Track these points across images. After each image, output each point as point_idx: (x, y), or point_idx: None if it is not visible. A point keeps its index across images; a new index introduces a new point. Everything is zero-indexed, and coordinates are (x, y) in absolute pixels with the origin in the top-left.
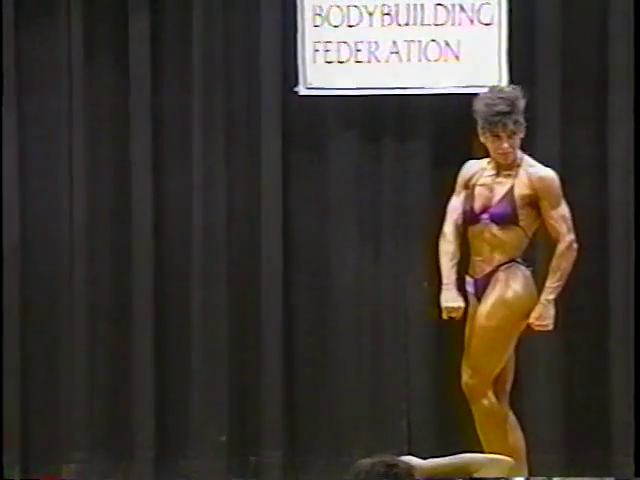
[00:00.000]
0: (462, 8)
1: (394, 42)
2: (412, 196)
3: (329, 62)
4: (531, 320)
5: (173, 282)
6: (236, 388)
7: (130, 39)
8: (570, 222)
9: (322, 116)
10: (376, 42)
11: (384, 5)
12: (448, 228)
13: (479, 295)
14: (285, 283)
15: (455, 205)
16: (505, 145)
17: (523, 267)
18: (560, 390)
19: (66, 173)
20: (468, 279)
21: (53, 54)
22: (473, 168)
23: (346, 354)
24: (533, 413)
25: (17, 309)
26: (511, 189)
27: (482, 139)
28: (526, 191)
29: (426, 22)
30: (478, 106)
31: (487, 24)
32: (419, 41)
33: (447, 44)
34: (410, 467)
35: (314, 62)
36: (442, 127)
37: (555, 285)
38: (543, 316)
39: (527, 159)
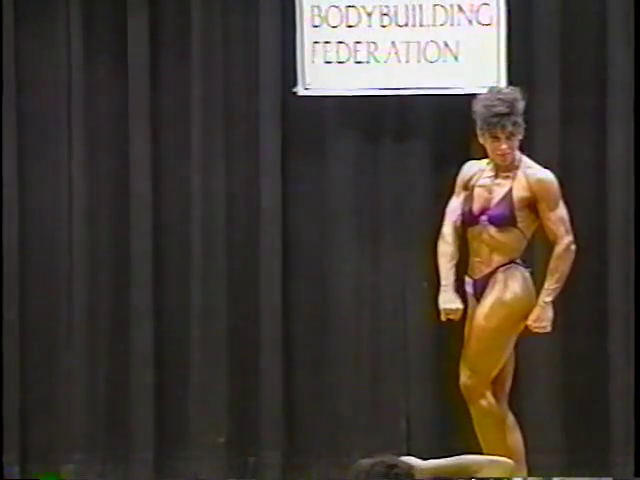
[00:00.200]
0: (461, 9)
1: (393, 43)
2: (411, 196)
3: (328, 62)
4: (529, 322)
5: (172, 283)
6: (235, 389)
7: (129, 40)
8: (568, 224)
9: (321, 117)
10: (375, 42)
11: (383, 5)
12: (447, 229)
13: (478, 296)
14: (284, 284)
15: (454, 206)
16: (503, 146)
17: (522, 268)
18: (559, 390)
19: (65, 173)
20: (467, 279)
21: (52, 55)
22: (472, 169)
23: (345, 354)
24: (532, 413)
25: (16, 310)
26: (509, 191)
27: (481, 140)
28: (524, 193)
29: (425, 23)
30: (477, 107)
31: (486, 25)
32: (418, 42)
33: (446, 45)
34: (410, 467)
35: (313, 62)
36: (441, 128)
37: (553, 287)
38: (541, 318)
39: (526, 160)
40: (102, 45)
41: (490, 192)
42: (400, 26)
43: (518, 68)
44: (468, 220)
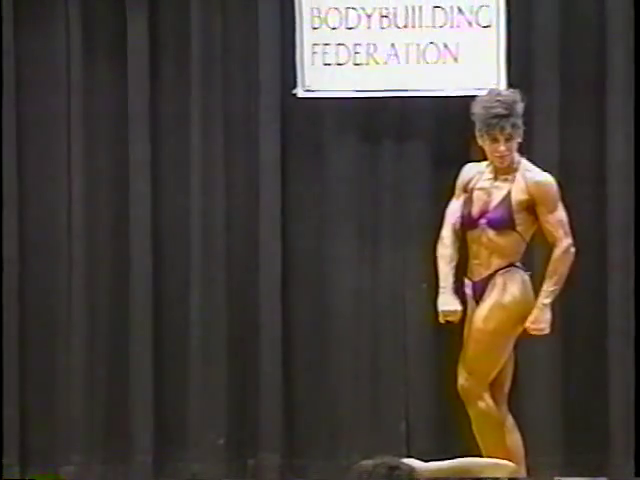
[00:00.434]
0: (460, 10)
1: (392, 44)
2: (411, 198)
3: (327, 64)
4: (527, 324)
5: (171, 286)
6: (234, 390)
7: (128, 41)
8: (567, 227)
9: (320, 118)
10: (374, 44)
11: (382, 7)
12: (446, 232)
13: (477, 298)
14: (284, 286)
15: (454, 209)
16: (502, 148)
17: (521, 272)
18: (559, 392)
19: (64, 175)
20: (466, 282)
21: (52, 57)
22: (472, 171)
23: (345, 356)
24: (531, 415)
25: (16, 313)
26: (508, 194)
27: (480, 142)
28: (523, 196)
29: (424, 24)
30: (476, 109)
31: (486, 26)
32: (417, 43)
33: (445, 46)
34: (412, 469)
35: (312, 64)
36: (441, 129)
37: (552, 289)
38: (539, 320)
39: (525, 163)
40: (101, 48)
41: (489, 195)
42: (400, 28)
43: (517, 70)
44: (467, 223)
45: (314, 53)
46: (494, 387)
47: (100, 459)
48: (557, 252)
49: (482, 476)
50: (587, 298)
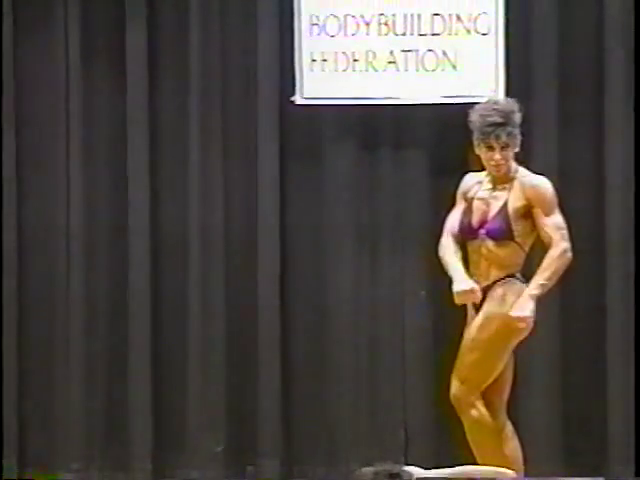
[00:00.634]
0: (459, 18)
1: (391, 52)
2: (410, 205)
3: (326, 72)
4: (511, 312)
5: (170, 293)
6: (233, 397)
7: (127, 49)
8: (565, 231)
9: (319, 126)
10: (373, 52)
11: (381, 15)
12: (445, 239)
13: (477, 307)
14: (282, 294)
15: (453, 218)
16: (497, 157)
17: (520, 283)
18: (557, 398)
19: (63, 180)
20: None
21: (51, 62)
22: (471, 181)
23: (343, 363)
24: (530, 421)
25: (14, 319)
26: (505, 204)
27: (477, 150)
28: (520, 203)
29: (423, 32)
30: (473, 117)
31: (484, 34)
32: (416, 51)
33: (444, 54)
34: (412, 477)
35: (311, 71)
36: (439, 137)
37: (542, 282)
38: (523, 307)
39: (522, 171)
40: (100, 54)
41: (487, 205)
42: (398, 35)
43: (516, 77)
44: (468, 233)
45: (313, 60)
46: (493, 394)
47: (99, 466)
48: (553, 251)
49: None
50: (585, 302)
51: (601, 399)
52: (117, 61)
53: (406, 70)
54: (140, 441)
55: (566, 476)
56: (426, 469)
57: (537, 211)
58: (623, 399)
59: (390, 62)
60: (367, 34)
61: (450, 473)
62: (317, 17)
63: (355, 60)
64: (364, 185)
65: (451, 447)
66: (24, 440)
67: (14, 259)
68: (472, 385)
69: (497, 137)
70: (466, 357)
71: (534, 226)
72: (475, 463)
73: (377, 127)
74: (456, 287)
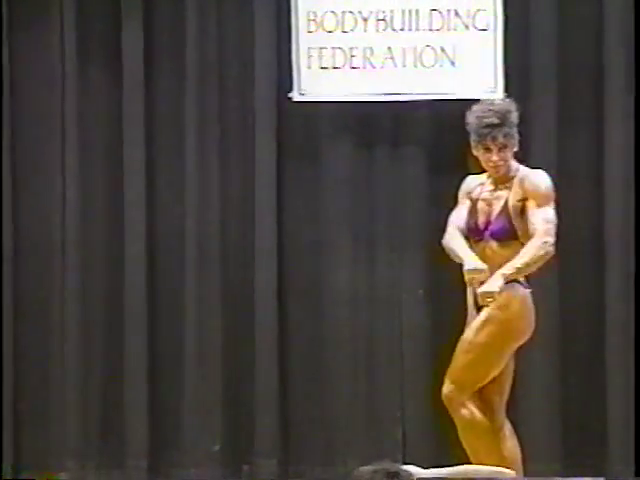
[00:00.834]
0: (457, 14)
1: (389, 48)
2: (408, 203)
3: (323, 68)
4: (478, 290)
5: (166, 291)
6: (230, 396)
7: (123, 46)
8: (552, 226)
9: (316, 122)
10: (371, 48)
11: (379, 11)
12: (452, 230)
13: (478, 307)
14: (279, 291)
15: (458, 214)
16: (495, 158)
17: (522, 288)
18: (557, 398)
19: (59, 178)
20: (469, 289)
21: (46, 61)
22: (473, 183)
23: (341, 362)
24: (529, 420)
25: (10, 317)
26: (506, 202)
27: (475, 152)
28: (517, 198)
29: (421, 28)
30: (470, 119)
31: (483, 30)
32: (414, 47)
33: (442, 50)
34: (411, 476)
35: (308, 68)
36: (437, 134)
37: (518, 265)
38: (491, 284)
39: (523, 169)
40: (96, 51)
41: (490, 205)
42: (396, 31)
43: (515, 73)
44: (474, 234)
45: (310, 57)
46: (492, 394)
47: (94, 464)
48: (535, 241)
49: None
50: (584, 301)
51: (600, 399)
52: (113, 58)
53: (404, 66)
54: (136, 439)
55: (565, 476)
56: (424, 468)
57: (529, 203)
58: (622, 399)
59: (388, 58)
60: (365, 30)
61: (449, 473)
62: (314, 13)
63: (353, 56)
64: (362, 182)
65: (449, 446)
66: (20, 439)
67: (10, 258)
68: (463, 386)
69: (494, 138)
70: (460, 358)
71: None
72: (470, 462)
73: (375, 124)
74: (467, 266)
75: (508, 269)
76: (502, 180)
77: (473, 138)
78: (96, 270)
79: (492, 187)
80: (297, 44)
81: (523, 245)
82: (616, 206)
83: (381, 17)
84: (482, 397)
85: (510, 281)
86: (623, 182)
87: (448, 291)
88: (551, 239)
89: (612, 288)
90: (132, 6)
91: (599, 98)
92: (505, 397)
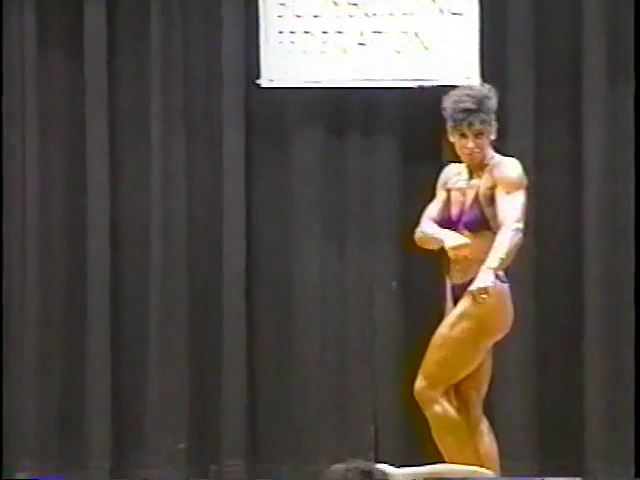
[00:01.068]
0: None
1: (361, 33)
2: (380, 193)
3: (293, 53)
4: (471, 287)
5: (130, 284)
6: (196, 392)
7: (85, 33)
8: (522, 215)
9: (286, 109)
10: (342, 33)
11: None
12: (425, 223)
13: (455, 301)
14: (248, 283)
15: (432, 208)
16: (470, 145)
17: (499, 282)
18: (533, 396)
19: (19, 168)
20: (448, 283)
21: (6, 50)
22: (451, 172)
23: (311, 357)
24: (505, 418)
25: None
26: (477, 191)
27: (450, 138)
28: (487, 186)
29: (394, 12)
30: (446, 103)
31: (457, 14)
32: (387, 32)
33: (416, 35)
34: (385, 475)
35: (278, 53)
36: (411, 121)
37: (501, 256)
38: (484, 279)
39: (497, 157)
40: (57, 39)
41: (464, 195)
42: (369, 16)
43: (491, 59)
44: (447, 226)
45: (279, 42)
46: (469, 390)
47: (55, 465)
48: (507, 229)
49: None
50: (562, 297)
51: (578, 396)
52: (75, 45)
53: (377, 52)
54: (98, 439)
55: (542, 474)
56: (398, 467)
57: (498, 190)
58: (600, 396)
59: (360, 44)
60: (336, 15)
61: (424, 472)
62: None
63: (323, 42)
64: (332, 171)
65: (422, 444)
66: None
67: None
68: (435, 382)
69: (470, 124)
70: (434, 353)
71: None
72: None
73: (346, 111)
74: (449, 242)
75: (493, 262)
76: (477, 168)
77: (449, 124)
78: (57, 264)
79: (467, 176)
80: (266, 28)
81: (495, 235)
82: (594, 195)
83: (353, 1)
84: (459, 393)
85: None
86: (601, 170)
87: (422, 283)
88: (521, 225)
89: (590, 284)
90: None
91: (578, 84)
92: (482, 393)
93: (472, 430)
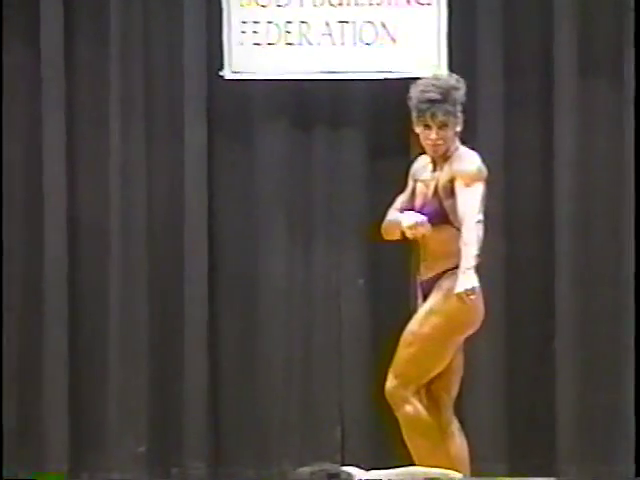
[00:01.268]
0: None
1: (327, 23)
2: (345, 187)
3: (257, 44)
4: (456, 291)
5: (89, 282)
6: (156, 393)
7: (42, 24)
8: (481, 207)
9: (250, 102)
10: (307, 23)
11: None
12: (391, 214)
13: (424, 298)
14: (210, 281)
15: (399, 200)
16: (433, 136)
17: None
18: (504, 396)
19: None
20: (418, 279)
21: None
22: (420, 163)
23: (275, 356)
24: (475, 419)
25: None
26: (437, 183)
27: (415, 129)
28: (447, 178)
29: (361, 2)
30: (412, 93)
31: (425, 4)
32: (353, 22)
33: (383, 26)
34: (352, 477)
35: (241, 44)
36: (378, 114)
37: (474, 253)
38: (468, 280)
39: (461, 149)
40: (12, 29)
41: (428, 187)
42: (334, 6)
43: (459, 50)
44: None
45: (242, 32)
46: (440, 390)
47: (11, 469)
48: (468, 224)
49: None
50: (532, 294)
51: (549, 397)
52: (32, 34)
53: (342, 43)
54: (55, 440)
55: (513, 476)
56: (366, 470)
57: (458, 183)
58: (572, 396)
59: (325, 34)
60: (301, 4)
61: (393, 474)
62: None
63: (288, 32)
64: (297, 166)
65: (390, 446)
66: None
67: None
68: (406, 380)
69: (433, 115)
70: (404, 351)
71: None
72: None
73: (311, 104)
74: (406, 222)
75: (470, 261)
76: (441, 160)
77: (413, 114)
78: (13, 261)
79: (432, 167)
80: (229, 19)
81: (455, 228)
82: (565, 187)
83: None
84: (429, 393)
85: (455, 268)
86: (572, 163)
87: (390, 280)
88: (482, 217)
89: (561, 280)
90: None
91: (548, 75)
92: (454, 393)
93: (443, 431)
